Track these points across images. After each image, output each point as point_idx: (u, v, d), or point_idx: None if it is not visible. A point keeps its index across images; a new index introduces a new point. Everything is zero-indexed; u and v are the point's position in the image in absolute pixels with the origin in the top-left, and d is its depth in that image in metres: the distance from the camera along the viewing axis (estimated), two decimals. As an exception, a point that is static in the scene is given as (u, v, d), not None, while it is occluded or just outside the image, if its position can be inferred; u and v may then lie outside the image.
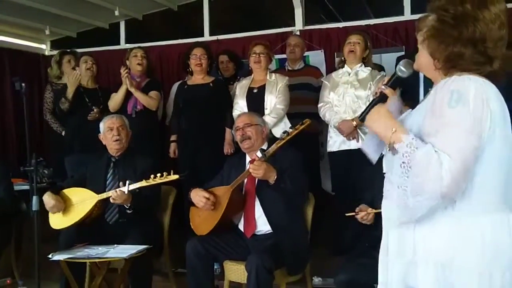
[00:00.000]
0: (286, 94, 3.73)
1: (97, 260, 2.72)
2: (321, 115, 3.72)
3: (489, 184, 1.32)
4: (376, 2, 5.65)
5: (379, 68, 4.07)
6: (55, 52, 5.29)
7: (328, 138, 3.73)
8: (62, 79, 4.63)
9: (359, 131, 3.53)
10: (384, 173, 1.50)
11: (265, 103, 3.69)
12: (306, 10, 5.27)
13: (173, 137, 4.13)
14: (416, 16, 1.84)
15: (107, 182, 3.22)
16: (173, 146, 4.11)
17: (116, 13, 5.43)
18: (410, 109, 1.54)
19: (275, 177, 2.70)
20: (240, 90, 3.82)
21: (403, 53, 4.39)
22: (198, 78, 3.98)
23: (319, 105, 3.73)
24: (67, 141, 4.26)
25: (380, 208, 1.53)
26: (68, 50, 4.76)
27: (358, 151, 3.50)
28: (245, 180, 2.93)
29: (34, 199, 2.90)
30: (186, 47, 4.26)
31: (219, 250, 2.86)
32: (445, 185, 1.26)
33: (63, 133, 4.47)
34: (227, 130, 3.84)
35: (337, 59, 4.08)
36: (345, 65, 3.70)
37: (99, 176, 3.24)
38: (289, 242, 2.78)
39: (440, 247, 1.34)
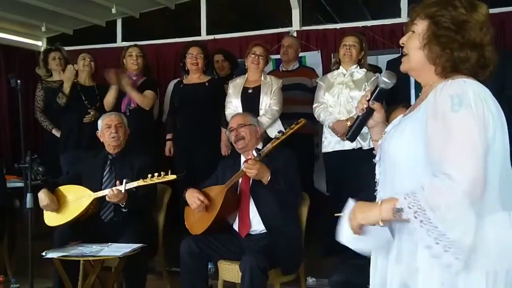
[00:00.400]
0: (280, 96, 3.75)
1: (91, 259, 2.72)
2: (315, 116, 3.73)
3: (491, 184, 1.31)
4: (374, 4, 5.67)
5: (376, 69, 4.08)
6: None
7: (323, 139, 3.74)
8: (52, 77, 4.61)
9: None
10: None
11: (260, 103, 3.70)
12: (303, 11, 5.28)
13: (168, 136, 4.13)
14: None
15: (104, 180, 3.21)
16: (168, 144, 4.11)
17: (113, 10, 5.41)
18: (401, 115, 1.54)
19: (269, 177, 2.70)
20: (234, 89, 3.81)
21: (399, 55, 4.41)
22: (194, 77, 3.98)
23: (314, 105, 3.74)
24: (63, 138, 4.24)
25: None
26: (53, 47, 4.74)
27: (353, 152, 3.57)
28: (240, 180, 2.93)
29: (28, 196, 2.89)
30: (182, 45, 4.26)
31: (213, 249, 2.86)
32: (464, 187, 1.21)
33: (53, 131, 4.46)
34: (223, 130, 3.84)
35: (333, 60, 4.09)
36: (340, 66, 3.71)
37: (96, 174, 3.23)
38: (283, 242, 2.78)
39: None
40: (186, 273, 2.84)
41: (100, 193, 3.05)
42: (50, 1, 5.23)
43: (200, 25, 5.66)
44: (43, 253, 2.70)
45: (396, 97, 2.78)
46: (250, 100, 3.71)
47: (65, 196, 3.13)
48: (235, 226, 2.95)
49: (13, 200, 4.02)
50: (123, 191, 2.92)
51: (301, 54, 4.70)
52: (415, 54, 1.43)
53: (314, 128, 4.18)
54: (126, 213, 3.06)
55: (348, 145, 3.53)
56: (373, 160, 1.57)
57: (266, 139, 3.14)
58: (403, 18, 4.91)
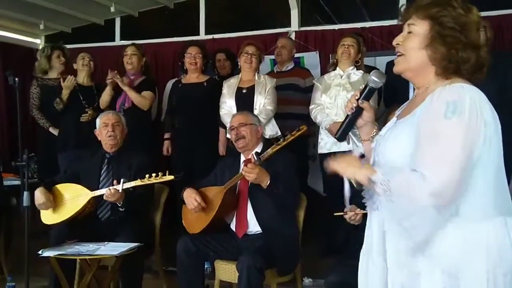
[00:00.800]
0: (274, 95, 3.75)
1: (87, 257, 2.71)
2: (312, 117, 3.73)
3: (487, 190, 1.34)
4: (372, 5, 5.67)
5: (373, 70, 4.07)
6: (49, 48, 5.25)
7: (319, 140, 3.74)
8: (48, 74, 4.59)
9: (350, 133, 3.54)
10: None
11: (254, 103, 3.69)
12: (302, 11, 5.28)
13: (166, 135, 4.13)
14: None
15: (101, 178, 3.21)
16: (166, 144, 4.11)
17: (112, 9, 5.41)
18: (395, 118, 1.54)
19: (268, 182, 2.70)
20: (228, 89, 3.80)
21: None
22: (192, 76, 3.98)
23: (311, 107, 3.74)
24: (61, 138, 4.23)
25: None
26: (58, 45, 4.73)
27: (349, 153, 3.55)
28: (239, 180, 2.93)
29: (25, 194, 2.88)
30: (181, 45, 4.26)
31: (210, 249, 2.86)
32: (432, 190, 1.27)
33: (50, 129, 4.45)
34: (221, 130, 3.84)
35: (330, 61, 4.09)
36: (337, 68, 3.72)
37: (93, 172, 3.23)
38: (280, 243, 2.79)
39: (448, 254, 1.33)
40: (182, 272, 2.84)
41: (97, 192, 3.05)
42: (49, -1, 5.23)
43: (199, 25, 5.65)
44: (40, 252, 2.69)
45: (396, 97, 2.78)
46: (244, 100, 3.70)
47: (62, 195, 3.13)
48: (232, 226, 2.95)
49: (10, 198, 4.01)
50: (120, 190, 2.92)
51: (299, 55, 4.70)
52: (416, 54, 1.43)
53: (309, 129, 4.17)
54: (123, 212, 3.06)
55: (344, 146, 3.53)
56: (362, 160, 1.57)
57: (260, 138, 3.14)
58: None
